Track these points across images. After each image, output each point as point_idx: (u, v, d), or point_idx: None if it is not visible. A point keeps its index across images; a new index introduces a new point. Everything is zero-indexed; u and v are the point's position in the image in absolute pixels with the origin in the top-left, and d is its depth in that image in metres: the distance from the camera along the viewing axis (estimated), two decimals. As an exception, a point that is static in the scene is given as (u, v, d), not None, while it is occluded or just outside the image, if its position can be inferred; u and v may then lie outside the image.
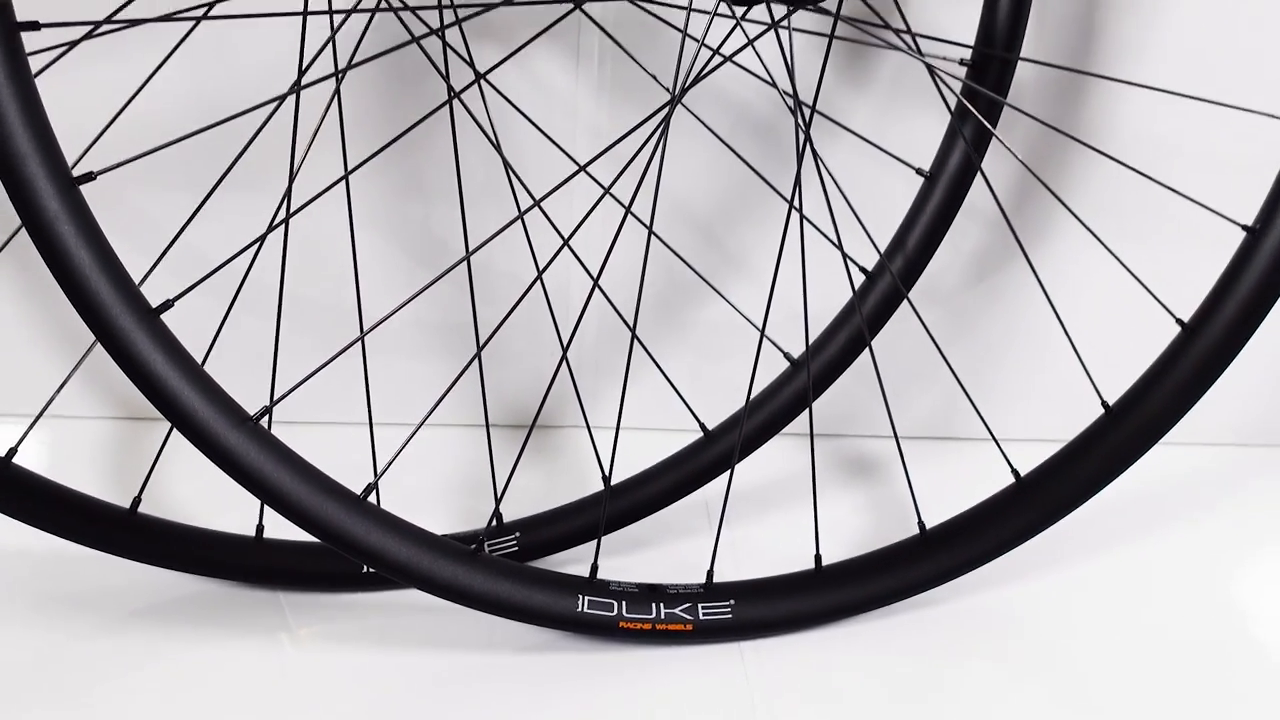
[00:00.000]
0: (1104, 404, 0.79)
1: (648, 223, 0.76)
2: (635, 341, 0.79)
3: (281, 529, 0.75)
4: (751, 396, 0.84)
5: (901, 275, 0.88)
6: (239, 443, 0.65)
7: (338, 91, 0.73)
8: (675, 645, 0.76)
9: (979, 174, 0.85)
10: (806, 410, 0.82)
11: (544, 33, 0.79)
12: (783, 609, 0.78)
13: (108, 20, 0.66)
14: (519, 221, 0.75)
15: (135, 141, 0.70)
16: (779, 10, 0.74)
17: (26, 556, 0.79)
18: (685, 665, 0.75)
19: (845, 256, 0.82)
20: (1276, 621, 0.83)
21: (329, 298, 0.92)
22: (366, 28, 0.75)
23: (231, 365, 0.72)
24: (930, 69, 0.78)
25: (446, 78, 0.77)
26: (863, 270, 0.89)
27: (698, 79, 0.75)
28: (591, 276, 0.77)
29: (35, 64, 0.60)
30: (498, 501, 0.77)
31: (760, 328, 0.80)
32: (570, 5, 0.76)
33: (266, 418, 0.67)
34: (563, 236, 0.76)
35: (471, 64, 0.78)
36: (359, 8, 0.73)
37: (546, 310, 0.82)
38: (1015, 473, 0.80)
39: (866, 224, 0.83)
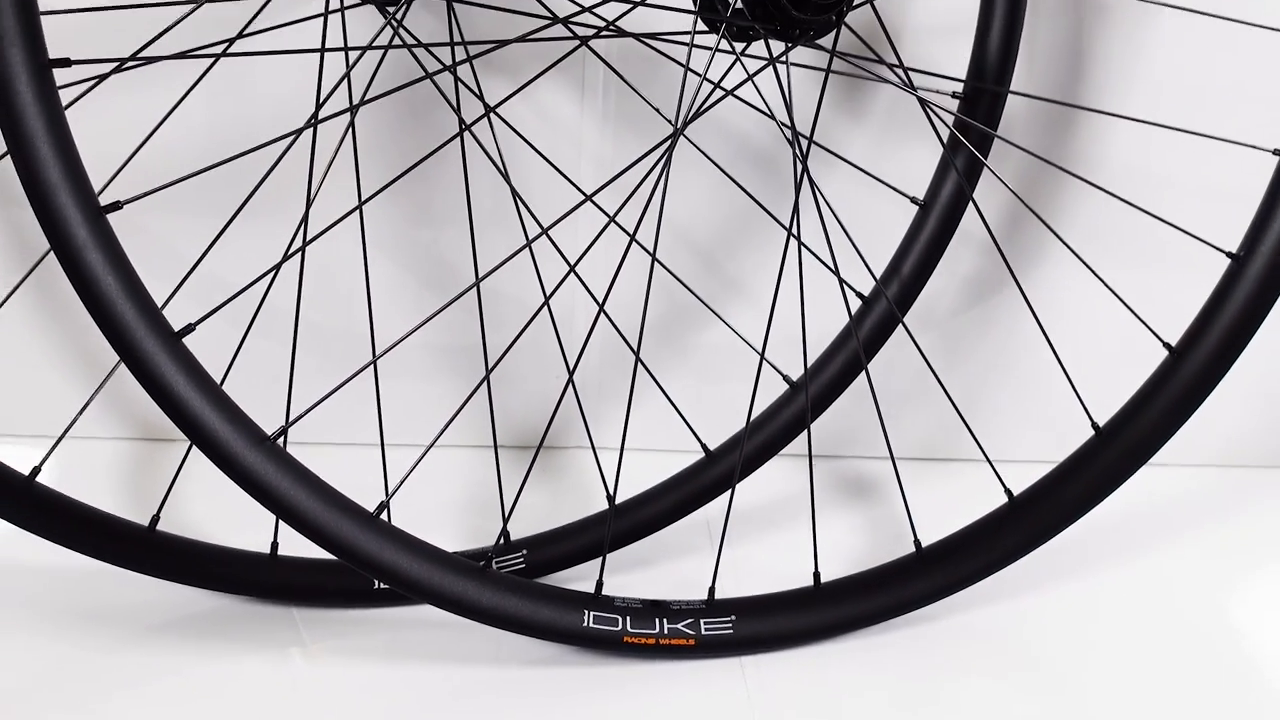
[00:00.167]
0: (1094, 425, 0.80)
1: (651, 250, 0.77)
2: (639, 364, 0.79)
3: (295, 546, 0.76)
4: (752, 418, 0.84)
5: (897, 300, 0.89)
6: (257, 461, 0.66)
7: (352, 124, 0.75)
8: (678, 660, 0.76)
9: (971, 203, 0.86)
10: (805, 431, 0.83)
11: (551, 68, 0.81)
12: (783, 625, 0.78)
13: (134, 57, 0.67)
14: (524, 246, 0.76)
15: (156, 171, 0.71)
16: (777, 46, 0.75)
17: (48, 572, 0.80)
18: (687, 679, 0.75)
19: (842, 282, 0.83)
20: (1263, 636, 0.84)
21: (337, 322, 0.93)
22: (379, 63, 0.76)
23: (243, 387, 0.73)
24: (923, 102, 0.80)
25: (458, 111, 0.79)
26: (859, 295, 0.90)
27: (699, 112, 0.76)
28: (597, 301, 0.77)
29: (64, 97, 0.61)
30: (505, 520, 0.77)
31: (760, 351, 0.81)
32: (576, 41, 0.78)
33: (283, 438, 0.68)
34: (569, 263, 0.77)
35: (482, 98, 0.80)
36: (373, 45, 0.74)
37: (552, 334, 0.83)
38: (1008, 492, 0.81)
39: (863, 251, 0.84)
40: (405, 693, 0.73)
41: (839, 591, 0.80)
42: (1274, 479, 1.06)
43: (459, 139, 0.80)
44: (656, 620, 0.75)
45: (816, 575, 0.80)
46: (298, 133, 0.73)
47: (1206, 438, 0.99)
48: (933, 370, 0.84)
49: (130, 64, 0.68)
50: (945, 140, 0.87)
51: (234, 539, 0.80)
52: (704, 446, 0.88)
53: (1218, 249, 0.77)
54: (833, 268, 0.82)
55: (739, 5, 0.72)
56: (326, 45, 0.75)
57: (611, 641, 0.74)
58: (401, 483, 0.72)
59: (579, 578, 0.84)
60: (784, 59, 0.76)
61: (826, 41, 0.76)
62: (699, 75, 0.75)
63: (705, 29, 0.76)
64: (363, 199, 0.77)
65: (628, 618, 0.75)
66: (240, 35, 0.73)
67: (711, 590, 0.78)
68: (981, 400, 1.01)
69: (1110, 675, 0.78)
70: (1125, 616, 0.84)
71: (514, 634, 0.73)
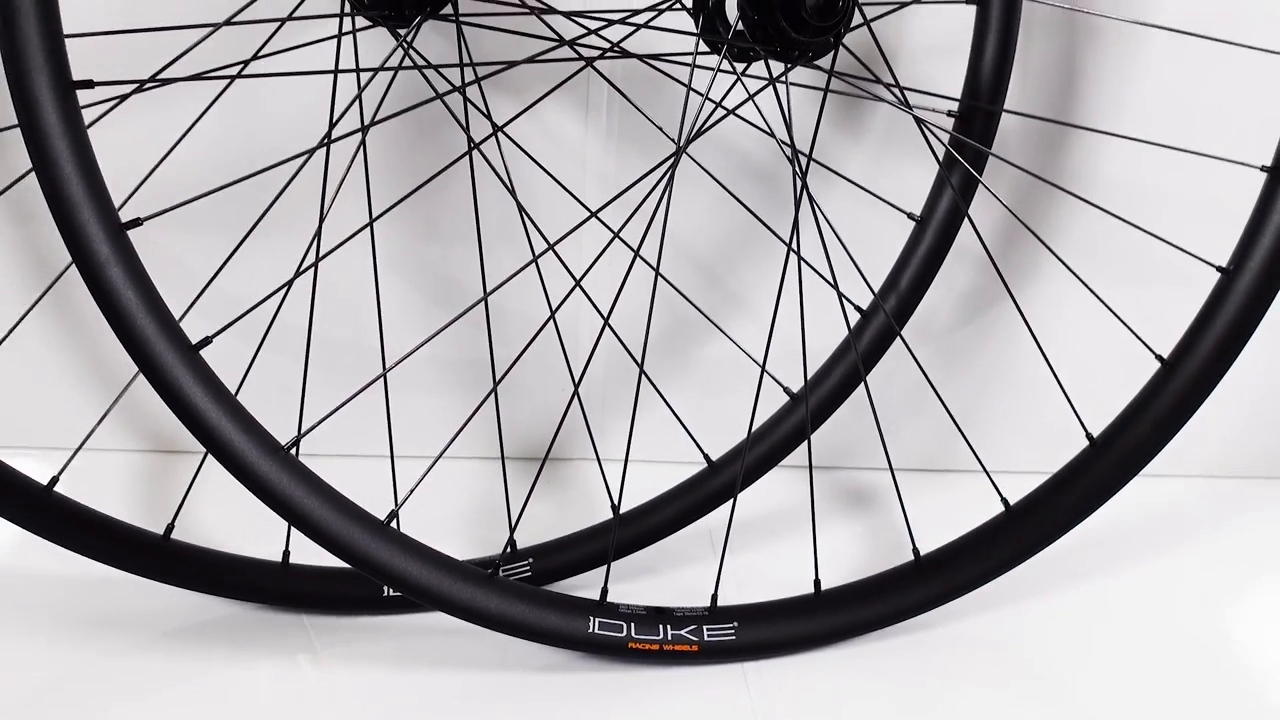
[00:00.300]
0: (1088, 436, 0.80)
1: (654, 265, 0.78)
2: (643, 377, 0.80)
3: (306, 555, 0.77)
4: (753, 429, 0.85)
5: (895, 314, 0.90)
6: (271, 471, 0.66)
7: (363, 143, 0.76)
8: (681, 666, 0.76)
9: (966, 220, 0.87)
10: (806, 442, 0.83)
11: (557, 88, 0.82)
12: (784, 631, 0.78)
13: (153, 79, 0.69)
14: (532, 263, 0.77)
15: (171, 188, 0.72)
16: (777, 67, 0.76)
17: (66, 579, 0.81)
18: (691, 685, 0.75)
19: (841, 296, 0.84)
20: (1254, 642, 0.84)
21: (345, 336, 0.93)
22: (390, 84, 0.78)
23: (253, 401, 0.72)
24: (918, 121, 0.80)
25: (467, 130, 0.80)
26: (858, 309, 0.90)
27: (701, 130, 0.77)
28: (602, 315, 0.78)
29: (86, 116, 0.62)
30: (512, 529, 0.78)
31: (761, 364, 0.81)
32: (582, 62, 0.79)
33: (296, 448, 0.69)
34: (574, 278, 0.78)
35: (490, 117, 0.81)
36: (385, 66, 0.75)
37: (558, 348, 0.84)
38: (1005, 502, 0.81)
39: (861, 265, 0.84)
40: (413, 698, 0.73)
41: (839, 599, 0.80)
42: (1264, 489, 1.06)
43: (468, 157, 0.80)
44: (660, 627, 0.76)
45: (817, 583, 0.80)
46: (311, 152, 0.74)
47: (1198, 448, 1.00)
48: (930, 382, 0.84)
49: (149, 85, 0.69)
50: (941, 158, 0.88)
51: (246, 547, 0.80)
52: (706, 457, 0.89)
53: (1208, 263, 0.78)
54: (832, 282, 0.82)
55: (740, 27, 0.72)
56: (339, 67, 0.76)
57: (616, 647, 0.75)
58: (411, 492, 0.73)
59: (584, 586, 0.84)
60: (783, 79, 0.77)
61: (825, 62, 0.77)
62: (701, 95, 0.75)
63: (707, 50, 0.76)
64: (373, 216, 0.78)
65: (632, 624, 0.75)
66: (255, 57, 0.74)
67: (714, 597, 0.78)
68: (978, 412, 1.01)
69: (1106, 682, 0.79)
70: (1119, 624, 0.85)
71: (520, 640, 0.74)
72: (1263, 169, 0.77)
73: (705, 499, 0.89)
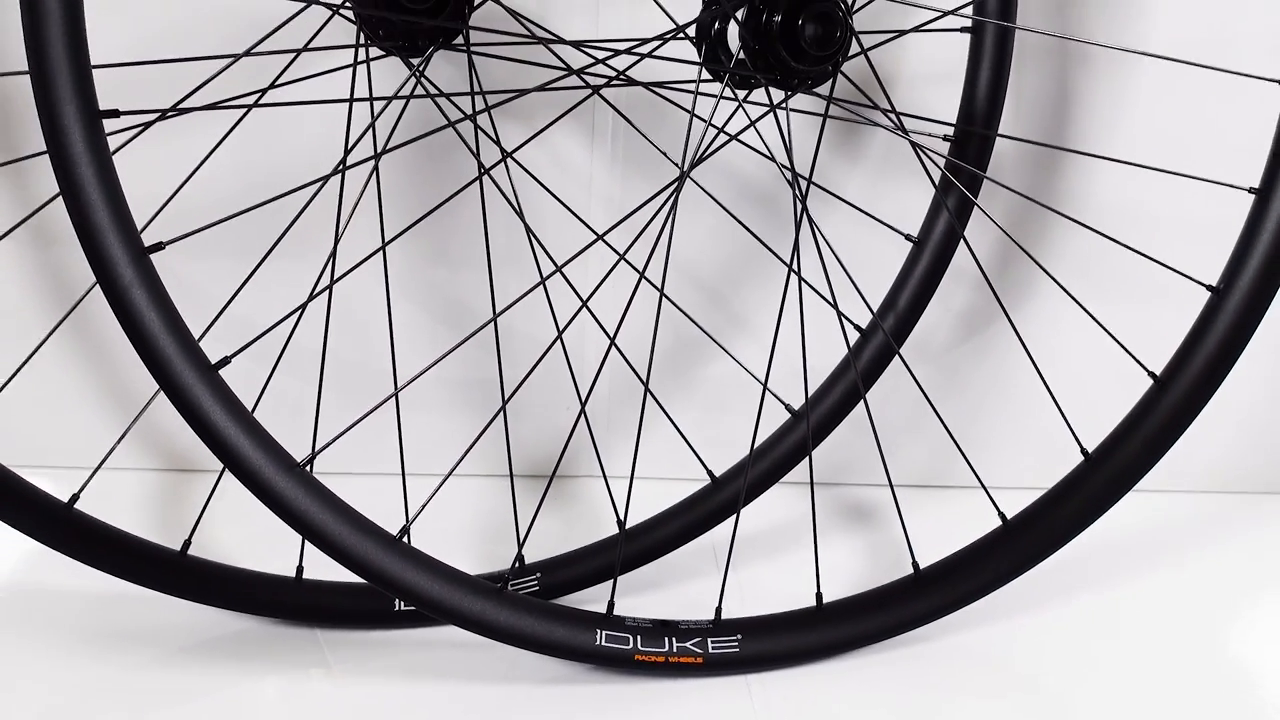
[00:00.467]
0: (1083, 451, 0.81)
1: (659, 286, 0.78)
2: (648, 396, 0.81)
3: (319, 570, 0.78)
4: (755, 446, 0.85)
5: (893, 333, 0.91)
6: (288, 487, 0.67)
7: (376, 170, 0.77)
8: (686, 678, 0.77)
9: (962, 241, 0.88)
10: (807, 459, 0.84)
11: (565, 115, 0.83)
12: (787, 644, 0.78)
13: (174, 108, 0.70)
14: (539, 284, 0.78)
15: (188, 213, 0.73)
16: (777, 94, 0.77)
17: (85, 595, 0.81)
18: (696, 696, 0.75)
19: (841, 315, 0.85)
20: (1246, 654, 0.84)
21: (355, 357, 0.94)
22: (402, 112, 0.79)
23: (265, 420, 0.71)
24: (914, 145, 0.81)
25: (477, 156, 0.81)
26: (857, 328, 0.91)
27: (704, 155, 0.79)
28: (609, 335, 0.79)
29: (110, 144, 0.63)
30: (520, 544, 0.78)
31: (763, 382, 0.82)
32: (589, 90, 0.80)
33: (310, 465, 0.69)
34: (581, 299, 0.79)
35: (499, 144, 0.82)
36: (398, 95, 0.77)
37: (564, 368, 0.84)
38: (1002, 516, 0.82)
39: (860, 285, 0.85)
40: (424, 710, 0.74)
41: (840, 612, 0.80)
42: (1257, 505, 1.06)
43: (478, 182, 0.81)
44: (666, 639, 0.76)
45: (819, 596, 0.80)
46: (325, 178, 0.74)
47: (1192, 464, 1.01)
48: (929, 400, 0.85)
49: (171, 114, 0.70)
50: (936, 181, 0.89)
51: (261, 563, 0.81)
52: (710, 473, 0.90)
53: (1198, 283, 0.79)
54: (831, 302, 0.83)
55: (741, 56, 0.74)
56: (354, 96, 0.77)
57: (623, 660, 0.75)
58: (422, 509, 0.73)
59: (591, 600, 0.84)
60: (784, 106, 0.78)
61: (824, 89, 0.78)
62: (704, 121, 0.77)
63: (709, 78, 0.78)
64: (386, 240, 0.79)
65: (638, 637, 0.75)
66: (272, 86, 0.76)
67: (718, 610, 0.78)
68: (975, 429, 1.02)
69: (1102, 694, 0.79)
70: (1116, 637, 0.85)
71: (529, 653, 0.74)
72: (1250, 191, 0.78)
73: (709, 515, 0.90)
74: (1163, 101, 0.96)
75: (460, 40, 0.78)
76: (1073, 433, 0.81)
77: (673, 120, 0.87)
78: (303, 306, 0.75)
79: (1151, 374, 0.80)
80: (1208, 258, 0.80)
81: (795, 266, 0.80)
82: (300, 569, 0.81)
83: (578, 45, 0.79)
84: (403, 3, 0.73)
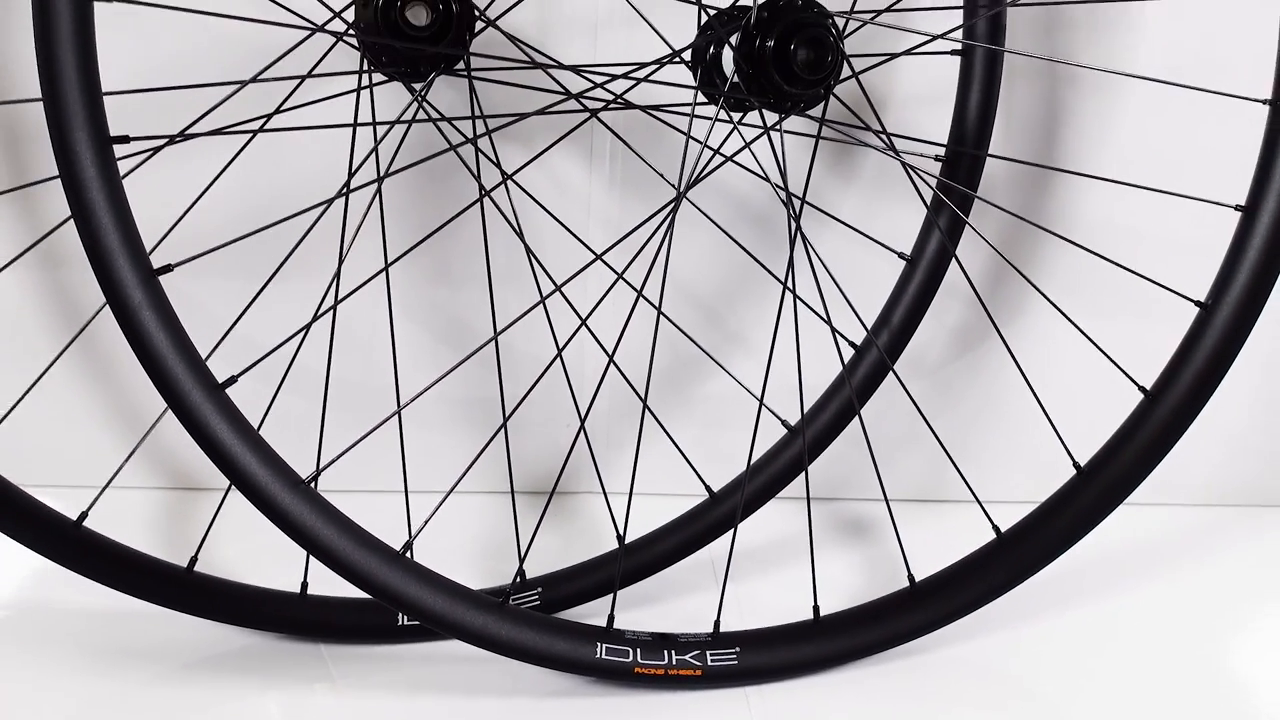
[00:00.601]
0: (1076, 465, 0.81)
1: (657, 304, 0.79)
2: (646, 413, 0.81)
3: (324, 586, 0.79)
4: (752, 461, 0.86)
5: (887, 349, 0.92)
6: (293, 503, 0.68)
7: (379, 192, 0.78)
8: (686, 690, 0.77)
9: (954, 260, 0.89)
10: (803, 474, 0.84)
11: (564, 138, 0.84)
12: (784, 656, 0.79)
13: (182, 134, 0.72)
14: (539, 303, 0.78)
15: (193, 236, 0.74)
16: (771, 116, 0.78)
17: (93, 611, 0.81)
18: (695, 708, 0.76)
19: (835, 332, 0.86)
20: (1237, 664, 0.85)
21: (357, 376, 0.94)
22: (404, 136, 0.80)
23: (267, 437, 0.72)
24: (906, 166, 0.82)
25: (478, 178, 0.82)
26: (851, 345, 0.92)
27: (700, 176, 0.80)
28: (607, 353, 0.80)
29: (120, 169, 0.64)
30: (521, 560, 0.78)
31: (759, 398, 0.82)
32: (586, 114, 0.81)
33: (315, 481, 0.70)
34: (580, 317, 0.80)
35: (500, 166, 0.83)
36: (401, 119, 0.78)
37: (564, 385, 0.85)
38: (996, 529, 0.82)
39: (854, 303, 0.87)
40: None
41: (837, 624, 0.81)
42: (1248, 517, 1.07)
43: (479, 204, 0.82)
44: (665, 652, 0.76)
45: (816, 609, 0.81)
46: (329, 202, 0.76)
47: (1182, 478, 1.02)
48: (923, 416, 0.86)
49: (179, 139, 0.72)
50: (929, 200, 0.90)
51: (266, 580, 0.81)
52: (708, 488, 0.90)
53: (1187, 298, 0.80)
54: (826, 319, 0.84)
55: (735, 80, 0.75)
56: (358, 120, 0.78)
57: (623, 672, 0.75)
58: (424, 524, 0.74)
59: (591, 614, 0.84)
60: (778, 128, 0.79)
61: (816, 111, 0.79)
62: (699, 143, 0.78)
63: (705, 101, 0.79)
64: (389, 261, 0.79)
65: (638, 650, 0.76)
66: (277, 111, 0.77)
67: (717, 623, 0.79)
68: (970, 443, 1.02)
69: (1096, 703, 0.79)
70: (1109, 647, 0.85)
71: (530, 666, 0.74)
72: (1236, 208, 0.79)
73: (707, 529, 0.90)
74: (1150, 121, 0.96)
75: (461, 66, 0.79)
76: (1065, 447, 0.82)
77: (669, 142, 0.88)
78: (307, 326, 0.76)
79: (1142, 388, 0.81)
80: (1196, 274, 0.81)
81: (790, 284, 0.81)
82: (305, 585, 0.81)
83: (576, 70, 0.80)
84: (405, 30, 0.74)
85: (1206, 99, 0.83)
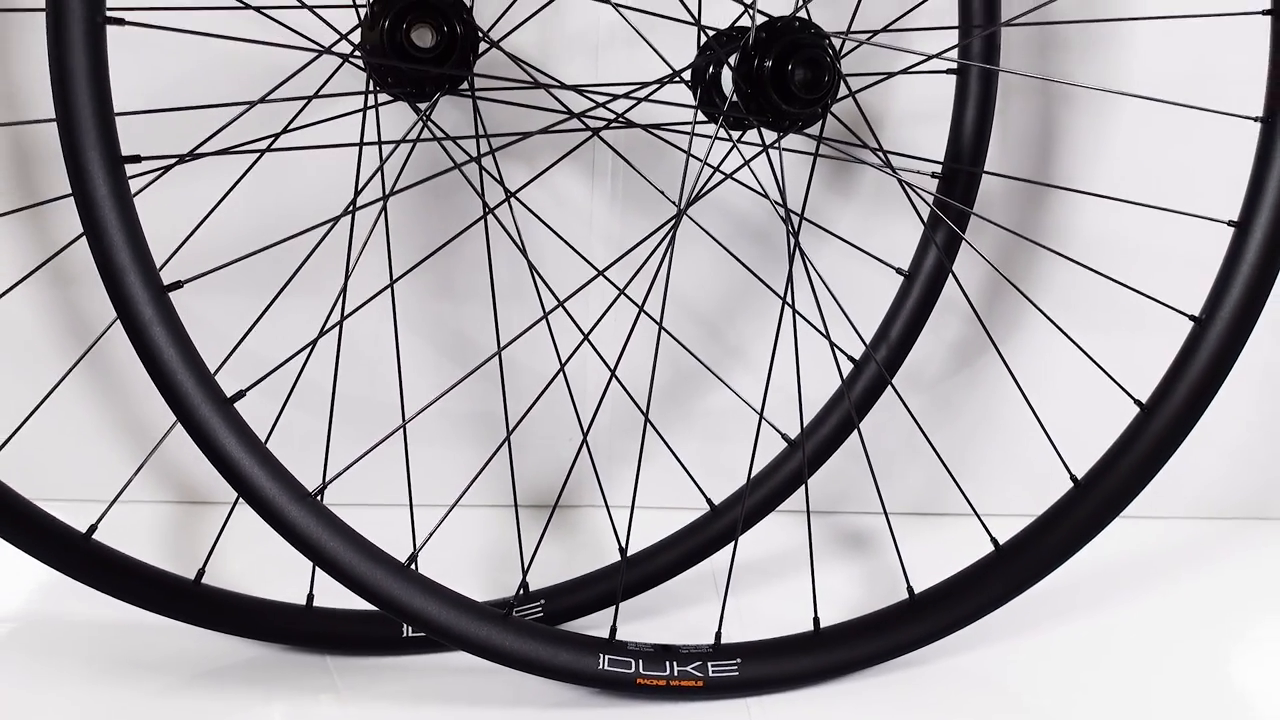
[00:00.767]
0: (1073, 478, 0.82)
1: (658, 319, 0.80)
2: (648, 426, 0.82)
3: (329, 598, 0.79)
4: (752, 475, 0.87)
5: (885, 363, 0.92)
6: (300, 516, 0.68)
7: (384, 210, 0.79)
8: (687, 701, 0.77)
9: (951, 275, 0.89)
10: (803, 487, 0.85)
11: (566, 156, 0.85)
12: (785, 667, 0.79)
13: (191, 153, 0.73)
14: (541, 318, 0.79)
15: (206, 252, 0.75)
16: (770, 134, 0.79)
17: (102, 622, 0.82)
18: (696, 719, 0.76)
19: (834, 347, 0.86)
20: (1233, 674, 0.86)
21: (361, 391, 0.95)
22: (409, 155, 0.81)
23: (275, 452, 0.72)
24: (903, 183, 0.83)
25: (482, 196, 0.83)
26: (850, 359, 0.92)
27: (700, 194, 0.81)
28: (609, 368, 0.80)
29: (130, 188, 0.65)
30: (525, 572, 0.79)
31: (759, 412, 0.83)
32: (588, 132, 0.82)
33: (321, 494, 0.71)
34: (583, 332, 0.81)
35: (503, 184, 0.84)
36: (406, 139, 0.79)
37: (566, 400, 0.85)
38: (994, 542, 0.83)
39: (852, 318, 0.87)
40: None
41: (837, 636, 0.81)
42: (1241, 529, 1.07)
43: (483, 221, 0.83)
44: (667, 663, 0.77)
45: (816, 621, 0.81)
46: (336, 219, 0.77)
47: (1177, 491, 1.00)
48: (922, 429, 0.86)
49: (189, 158, 0.73)
50: (925, 217, 0.91)
51: (272, 592, 0.82)
52: (709, 501, 0.91)
53: (1181, 313, 0.80)
54: (825, 333, 0.85)
55: (734, 99, 0.76)
56: (364, 139, 0.79)
57: (625, 683, 0.76)
58: (429, 537, 0.75)
59: (594, 625, 0.85)
60: (776, 146, 0.80)
61: (814, 129, 0.79)
62: (699, 161, 0.79)
63: (705, 120, 0.80)
64: (394, 278, 0.80)
65: (640, 661, 0.76)
66: (284, 131, 0.78)
67: (718, 635, 0.79)
68: (968, 457, 1.02)
69: (1092, 714, 0.80)
70: (1106, 658, 0.86)
71: (534, 678, 0.75)
72: (1229, 224, 0.80)
73: (708, 542, 0.90)
74: (1144, 138, 0.97)
75: (465, 86, 0.80)
76: (1062, 460, 0.82)
77: (670, 160, 0.89)
78: (313, 342, 0.76)
79: (1137, 402, 0.81)
80: (1190, 288, 0.81)
81: (789, 299, 0.82)
82: (310, 597, 0.82)
83: (578, 90, 0.81)
84: (411, 52, 0.75)
85: (1199, 116, 0.84)
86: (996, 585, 0.83)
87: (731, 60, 0.76)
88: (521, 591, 0.81)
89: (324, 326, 0.77)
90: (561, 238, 0.88)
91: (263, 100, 0.75)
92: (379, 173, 0.79)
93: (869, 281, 0.93)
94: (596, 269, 0.82)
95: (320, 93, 0.78)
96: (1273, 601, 0.97)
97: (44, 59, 0.63)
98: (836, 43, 0.77)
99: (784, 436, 0.93)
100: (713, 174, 0.82)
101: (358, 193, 0.79)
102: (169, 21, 0.70)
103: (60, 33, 0.63)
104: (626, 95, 0.79)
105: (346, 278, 0.78)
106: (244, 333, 0.77)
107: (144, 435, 0.98)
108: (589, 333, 0.81)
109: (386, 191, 0.79)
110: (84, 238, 0.64)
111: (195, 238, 0.78)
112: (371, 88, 0.79)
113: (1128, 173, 0.97)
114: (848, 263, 0.93)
